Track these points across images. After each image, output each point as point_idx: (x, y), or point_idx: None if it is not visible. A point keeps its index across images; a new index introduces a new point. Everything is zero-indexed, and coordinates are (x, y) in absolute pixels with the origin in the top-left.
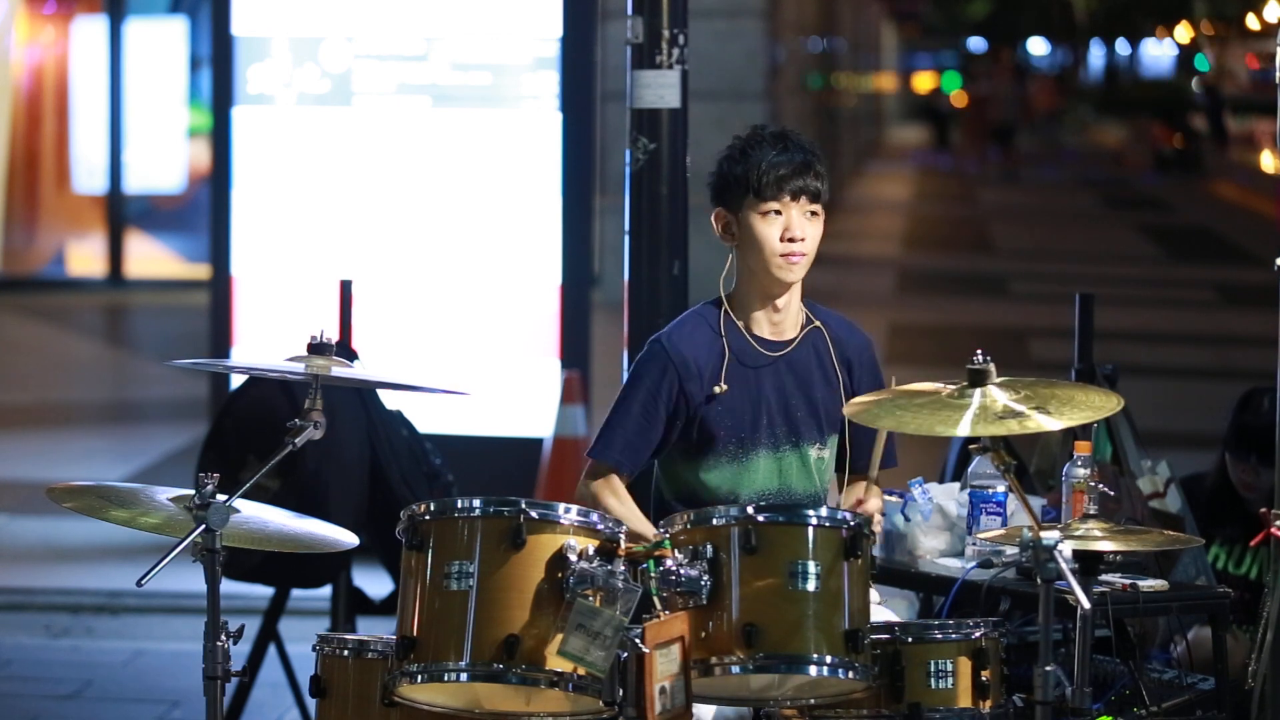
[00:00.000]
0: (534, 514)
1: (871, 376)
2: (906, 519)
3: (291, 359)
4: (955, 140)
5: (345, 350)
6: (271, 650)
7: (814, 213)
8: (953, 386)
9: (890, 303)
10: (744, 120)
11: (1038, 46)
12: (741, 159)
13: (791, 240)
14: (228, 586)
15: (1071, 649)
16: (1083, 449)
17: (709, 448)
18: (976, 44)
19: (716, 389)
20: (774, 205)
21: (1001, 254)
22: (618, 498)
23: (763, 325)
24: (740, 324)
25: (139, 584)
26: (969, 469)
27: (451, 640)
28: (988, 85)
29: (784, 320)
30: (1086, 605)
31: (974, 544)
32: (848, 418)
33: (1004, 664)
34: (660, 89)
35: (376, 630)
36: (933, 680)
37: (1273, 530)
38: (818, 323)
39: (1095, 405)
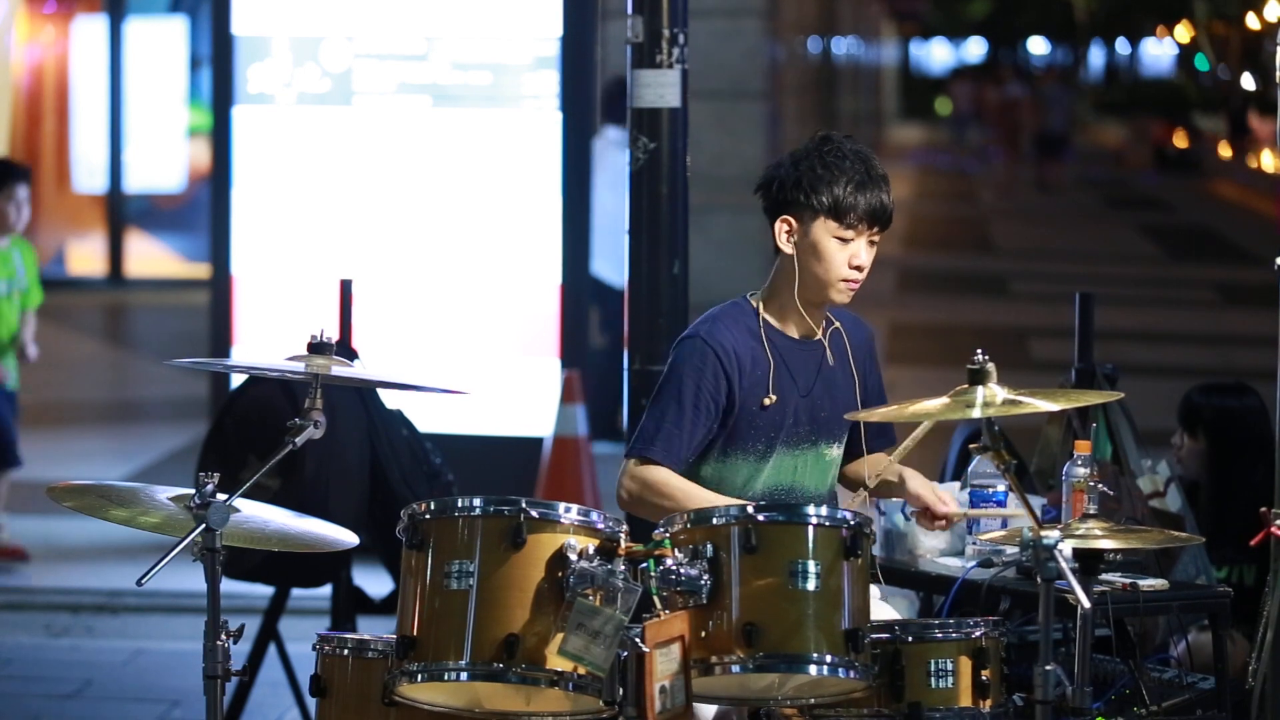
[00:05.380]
0: (534, 513)
1: (876, 369)
2: (907, 518)
3: (292, 358)
4: (970, 143)
5: (345, 350)
6: (272, 649)
7: (874, 241)
8: (950, 398)
9: (891, 302)
10: (744, 120)
11: (1038, 46)
12: (825, 174)
13: (856, 269)
14: (228, 586)
15: (1072, 648)
16: (1083, 448)
17: (734, 445)
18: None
19: (767, 400)
20: (849, 233)
21: (1001, 254)
22: (674, 476)
23: (796, 328)
24: (777, 325)
25: (139, 583)
26: (969, 469)
27: (452, 639)
28: (1018, 88)
29: (817, 324)
30: (1086, 605)
31: (974, 543)
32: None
33: (1004, 663)
34: (660, 88)
35: (376, 630)
36: (933, 680)
37: (1272, 530)
38: (837, 324)
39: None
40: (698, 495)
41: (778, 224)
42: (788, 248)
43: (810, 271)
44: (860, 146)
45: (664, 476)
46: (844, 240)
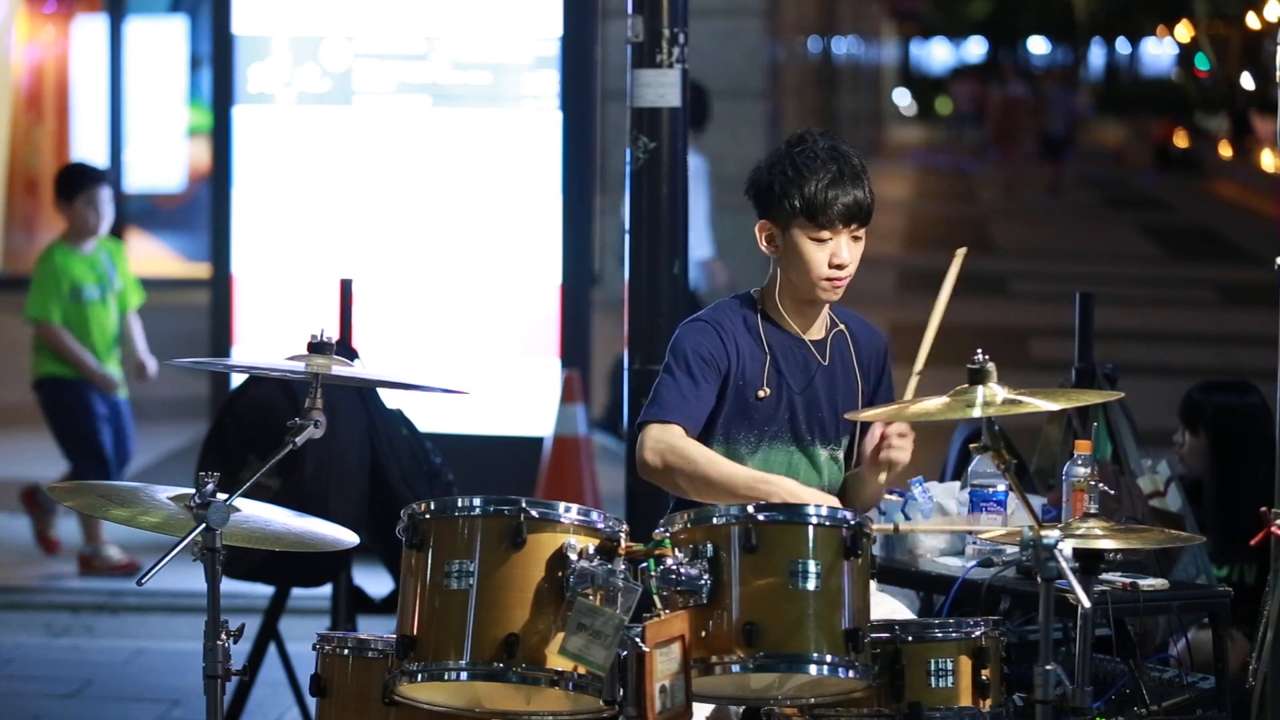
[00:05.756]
0: (534, 513)
1: (887, 379)
2: (907, 518)
3: (292, 358)
4: (969, 142)
5: (345, 349)
6: (272, 649)
7: (857, 236)
8: (950, 398)
9: (891, 302)
10: (744, 120)
11: (1038, 46)
12: (796, 176)
13: (838, 267)
14: (228, 585)
15: (1072, 648)
16: (1083, 448)
17: (730, 433)
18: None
19: (761, 393)
20: (825, 233)
21: (1001, 254)
22: (696, 445)
23: (792, 325)
24: (775, 322)
25: (139, 583)
26: (969, 468)
27: (452, 639)
28: (1021, 87)
29: (815, 323)
30: (1087, 604)
31: (974, 543)
32: (861, 414)
33: (1004, 663)
34: (660, 88)
35: (377, 629)
36: (933, 679)
37: (1272, 530)
38: (841, 326)
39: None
40: (719, 461)
41: (758, 228)
42: (769, 251)
43: (790, 273)
44: (836, 142)
45: (685, 442)
46: (821, 240)
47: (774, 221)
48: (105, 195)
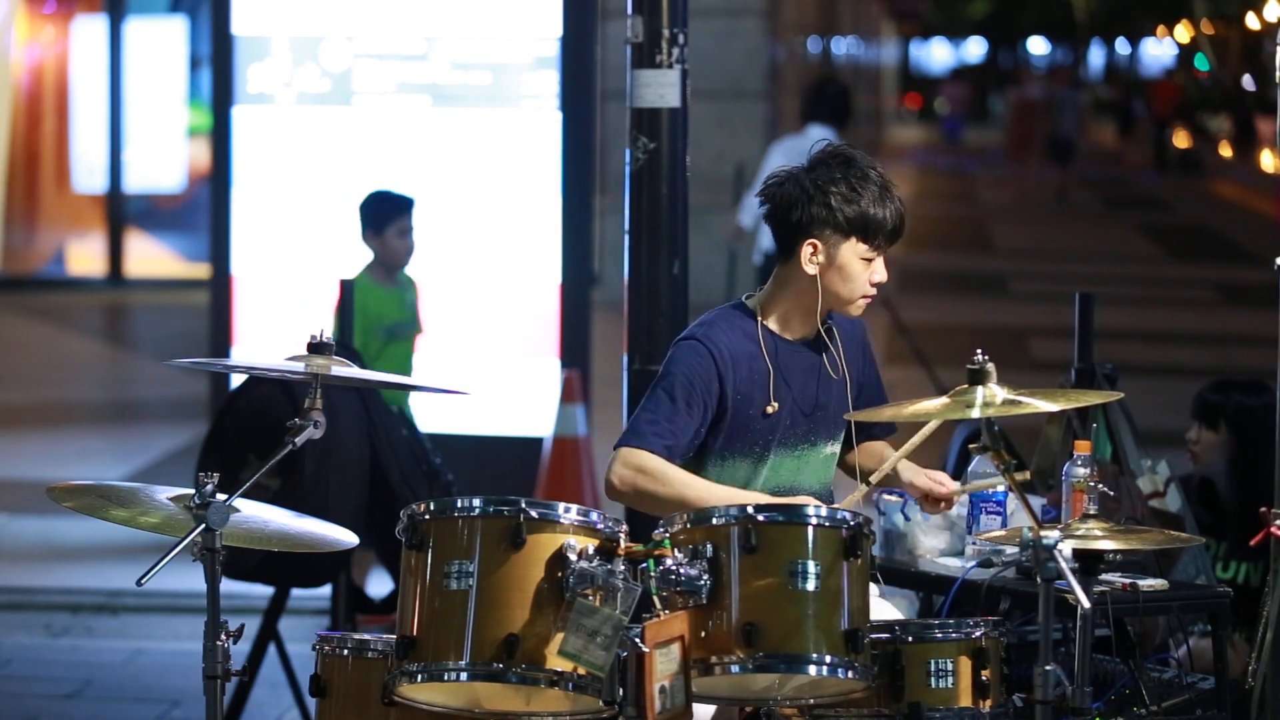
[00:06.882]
0: (534, 513)
1: (871, 360)
2: (906, 518)
3: (291, 358)
4: (963, 144)
5: (345, 350)
6: (271, 649)
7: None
8: (950, 398)
9: (890, 301)
10: (744, 120)
11: (1038, 46)
12: (852, 195)
13: (877, 285)
14: (227, 585)
15: (1071, 648)
16: (1083, 448)
17: (731, 448)
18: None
19: (769, 408)
20: (874, 253)
21: (1001, 253)
22: (669, 465)
23: (795, 331)
24: (777, 330)
25: (139, 583)
26: (969, 468)
27: (451, 640)
28: (1038, 89)
29: (814, 327)
30: (1086, 605)
31: (974, 543)
32: (855, 403)
33: (1004, 663)
34: (660, 88)
35: (376, 630)
36: (933, 680)
37: (1272, 530)
38: (829, 321)
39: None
40: (694, 482)
41: (804, 247)
42: (811, 269)
43: (833, 291)
44: (871, 160)
45: (659, 464)
46: (869, 259)
47: (821, 240)
48: (409, 222)
